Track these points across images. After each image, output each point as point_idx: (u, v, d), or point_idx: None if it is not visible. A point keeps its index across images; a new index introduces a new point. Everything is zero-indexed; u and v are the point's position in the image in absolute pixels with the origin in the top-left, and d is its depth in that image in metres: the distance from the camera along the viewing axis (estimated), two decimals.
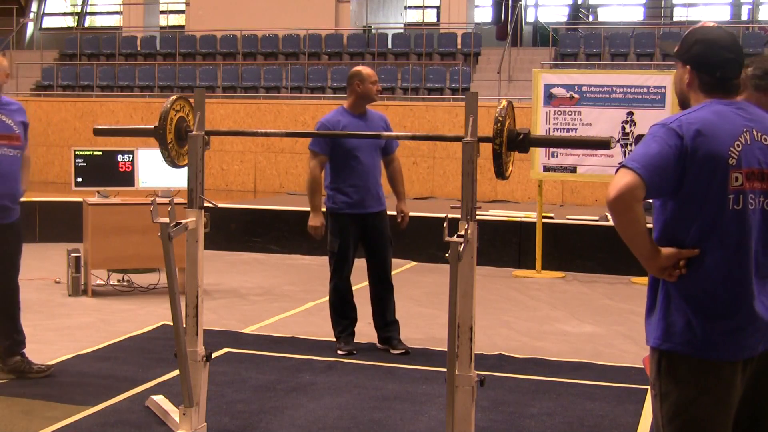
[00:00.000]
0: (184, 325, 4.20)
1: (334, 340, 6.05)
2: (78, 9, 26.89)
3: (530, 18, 23.11)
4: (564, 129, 9.18)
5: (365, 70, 5.95)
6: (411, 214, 6.15)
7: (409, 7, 24.16)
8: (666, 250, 2.65)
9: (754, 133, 2.69)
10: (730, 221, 2.63)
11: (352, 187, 5.85)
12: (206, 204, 4.27)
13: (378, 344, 6.04)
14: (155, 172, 7.81)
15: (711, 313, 2.64)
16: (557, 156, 9.18)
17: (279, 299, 7.88)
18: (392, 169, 6.11)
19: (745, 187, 2.65)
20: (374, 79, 5.92)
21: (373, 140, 5.88)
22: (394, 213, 6.04)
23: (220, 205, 5.67)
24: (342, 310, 6.02)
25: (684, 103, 2.80)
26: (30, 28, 24.16)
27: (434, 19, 23.70)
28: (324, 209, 5.98)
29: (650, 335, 2.73)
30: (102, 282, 8.11)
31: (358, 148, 5.81)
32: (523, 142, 3.79)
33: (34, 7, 25.27)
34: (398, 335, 6.03)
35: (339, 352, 5.90)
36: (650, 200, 2.69)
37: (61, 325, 6.63)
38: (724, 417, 2.66)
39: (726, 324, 2.63)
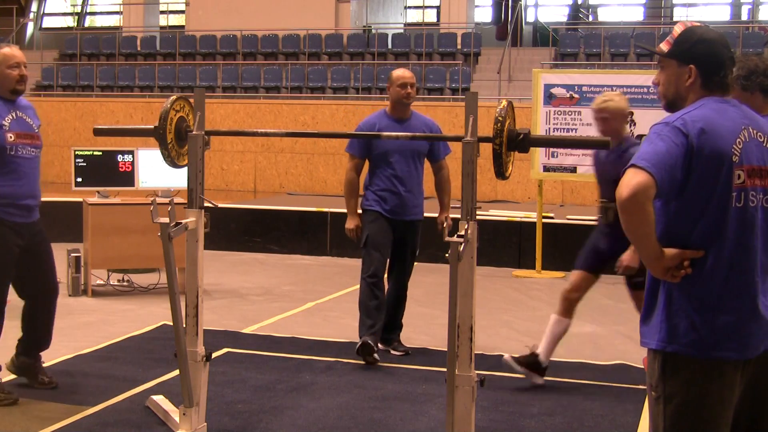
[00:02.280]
0: (184, 325, 4.20)
1: (335, 340, 6.03)
2: (78, 9, 26.89)
3: (530, 18, 23.11)
4: (564, 129, 9.18)
5: (396, 72, 5.79)
6: None
7: (409, 7, 24.17)
8: (669, 251, 2.63)
9: (751, 130, 2.70)
10: (733, 219, 2.63)
11: (384, 192, 5.72)
12: (206, 204, 4.27)
13: (379, 345, 6.03)
14: (155, 172, 7.81)
15: (713, 310, 2.63)
16: (557, 156, 9.19)
17: (279, 299, 7.88)
18: (440, 177, 5.89)
19: (746, 184, 2.64)
20: (402, 81, 5.70)
21: (412, 147, 5.72)
22: (435, 215, 5.94)
23: (220, 205, 5.67)
24: (367, 308, 5.72)
25: (675, 104, 2.76)
26: (30, 28, 24.15)
27: (434, 19, 23.70)
28: (360, 211, 5.86)
29: (651, 337, 2.71)
30: (102, 282, 8.11)
31: (390, 153, 5.66)
32: (523, 142, 3.79)
33: (34, 7, 25.27)
34: (398, 338, 6.02)
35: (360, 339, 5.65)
36: None
37: (61, 325, 6.60)
38: (727, 417, 2.66)
39: (729, 320, 2.63)
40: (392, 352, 5.92)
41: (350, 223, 5.80)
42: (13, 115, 4.83)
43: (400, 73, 5.76)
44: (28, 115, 4.94)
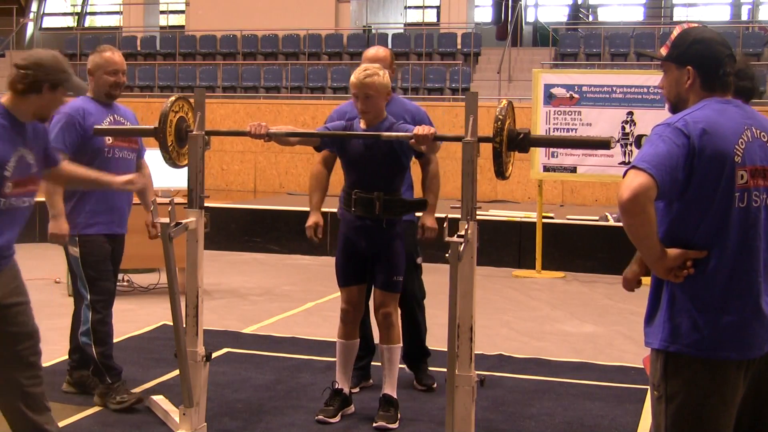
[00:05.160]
0: (184, 325, 4.20)
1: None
2: (78, 9, 26.90)
3: (530, 18, 23.11)
4: (564, 129, 9.18)
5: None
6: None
7: (409, 7, 24.17)
8: (672, 251, 2.63)
9: (754, 130, 2.69)
10: (736, 219, 2.63)
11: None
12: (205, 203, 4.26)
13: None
14: (155, 172, 7.77)
15: (716, 310, 2.63)
16: (557, 156, 9.19)
17: (279, 299, 7.88)
18: (426, 172, 5.21)
19: (749, 184, 2.64)
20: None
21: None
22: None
23: (219, 206, 5.65)
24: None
25: (678, 106, 2.76)
26: (30, 28, 24.15)
27: (434, 19, 23.70)
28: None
29: (654, 337, 2.71)
30: None
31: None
32: (523, 142, 3.78)
33: (34, 7, 25.27)
34: (422, 367, 5.31)
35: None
36: None
37: (61, 325, 6.61)
38: (729, 418, 2.66)
39: (731, 320, 2.62)
40: (414, 384, 5.27)
41: (309, 220, 5.12)
42: (111, 119, 4.81)
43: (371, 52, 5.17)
44: (128, 120, 4.96)
